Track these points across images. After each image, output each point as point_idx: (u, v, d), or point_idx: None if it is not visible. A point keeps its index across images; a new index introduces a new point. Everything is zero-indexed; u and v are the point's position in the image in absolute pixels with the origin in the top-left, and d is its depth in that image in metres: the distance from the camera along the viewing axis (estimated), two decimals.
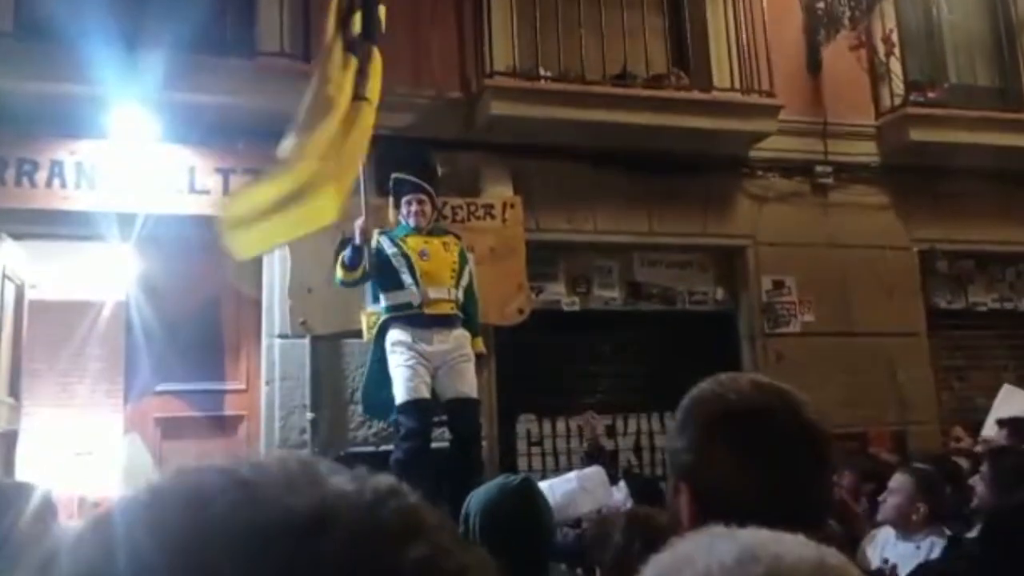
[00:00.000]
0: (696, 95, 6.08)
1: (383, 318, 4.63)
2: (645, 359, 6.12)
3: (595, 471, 4.53)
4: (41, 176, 4.95)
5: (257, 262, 5.42)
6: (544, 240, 5.79)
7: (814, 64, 6.57)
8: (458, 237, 4.83)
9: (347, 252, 4.48)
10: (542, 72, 5.86)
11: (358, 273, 4.50)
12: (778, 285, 6.29)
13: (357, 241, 4.43)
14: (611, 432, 5.92)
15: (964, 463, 4.50)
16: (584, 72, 5.82)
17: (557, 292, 6.01)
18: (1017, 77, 7.12)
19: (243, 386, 5.43)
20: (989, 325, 6.90)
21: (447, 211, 5.33)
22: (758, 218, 6.34)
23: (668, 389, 6.11)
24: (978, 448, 4.94)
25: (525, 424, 5.80)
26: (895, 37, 6.59)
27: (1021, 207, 6.78)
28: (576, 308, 6.05)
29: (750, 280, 6.28)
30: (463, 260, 4.67)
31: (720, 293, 6.39)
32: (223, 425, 5.38)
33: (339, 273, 4.55)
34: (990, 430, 5.06)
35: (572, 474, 4.56)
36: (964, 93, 6.90)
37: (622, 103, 5.80)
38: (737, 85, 6.16)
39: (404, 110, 5.63)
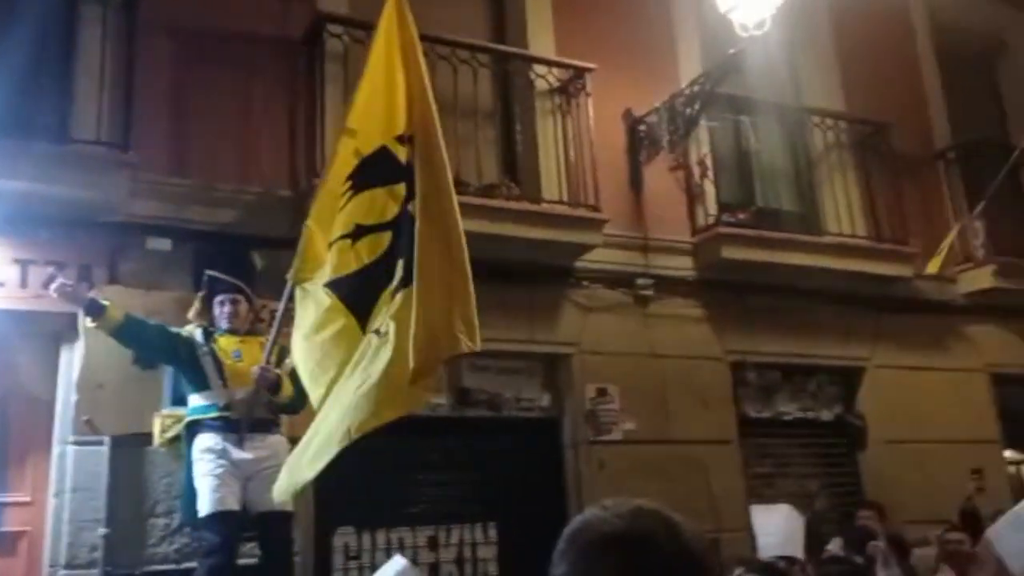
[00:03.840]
0: (526, 206, 6.23)
1: (187, 420, 4.36)
2: (471, 467, 6.03)
3: (401, 564, 4.27)
4: None
5: (53, 359, 5.00)
6: None
7: (636, 182, 6.90)
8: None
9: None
10: None
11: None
12: (601, 393, 6.41)
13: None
14: (433, 543, 5.75)
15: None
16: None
17: None
18: (815, 203, 7.76)
19: (28, 498, 4.89)
20: (795, 434, 7.28)
21: (265, 314, 5.10)
22: (583, 327, 6.48)
23: (493, 498, 6.05)
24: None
25: (343, 537, 5.52)
26: (709, 161, 7.04)
27: (821, 323, 7.28)
28: None
29: (575, 387, 6.37)
30: (280, 362, 4.47)
31: (546, 399, 6.44)
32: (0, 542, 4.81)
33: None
34: (769, 552, 5.17)
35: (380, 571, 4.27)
36: (770, 216, 7.42)
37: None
38: (565, 198, 6.36)
39: (229, 205, 5.45)
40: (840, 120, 7.70)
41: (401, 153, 3.87)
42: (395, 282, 3.71)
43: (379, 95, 4.00)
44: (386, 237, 3.82)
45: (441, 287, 3.61)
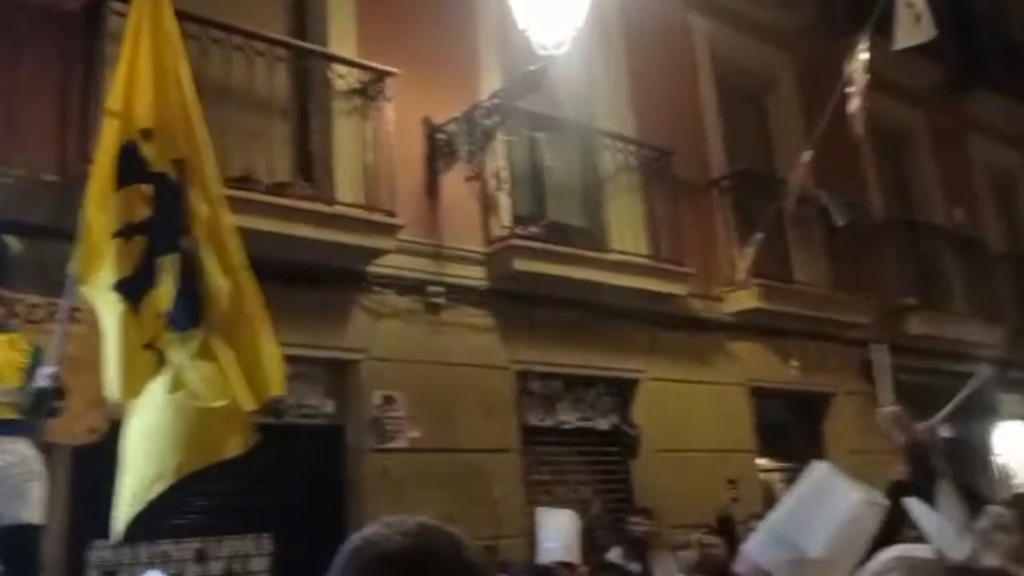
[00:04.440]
0: (320, 207, 6.08)
1: None
2: (246, 475, 5.78)
3: None
4: None
5: None
6: None
7: (433, 190, 6.92)
8: None
9: None
10: None
11: None
12: (388, 400, 6.36)
13: None
14: (201, 556, 5.48)
15: None
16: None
17: None
18: (602, 220, 8.10)
19: None
20: (573, 442, 7.56)
21: (21, 308, 4.64)
22: (373, 333, 6.41)
23: (268, 508, 5.82)
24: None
25: (99, 552, 5.12)
26: (504, 174, 7.18)
27: (603, 335, 7.60)
28: None
29: (361, 394, 6.28)
30: (37, 360, 4.09)
31: (331, 406, 6.31)
32: None
33: None
34: (548, 556, 5.37)
35: None
36: (560, 230, 7.67)
37: (244, 207, 5.58)
38: (360, 201, 6.27)
39: None
40: (628, 144, 8.09)
41: (147, 150, 3.69)
42: (169, 306, 3.55)
43: (136, 79, 3.78)
44: (142, 241, 3.61)
45: (244, 326, 3.50)
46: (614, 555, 5.76)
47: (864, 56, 7.35)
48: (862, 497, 3.39)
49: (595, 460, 7.67)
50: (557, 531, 5.43)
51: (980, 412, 10.29)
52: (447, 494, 6.28)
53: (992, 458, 11.00)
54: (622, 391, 7.90)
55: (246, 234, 5.45)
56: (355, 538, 1.21)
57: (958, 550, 2.89)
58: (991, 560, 3.01)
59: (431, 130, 7.01)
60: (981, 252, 11.54)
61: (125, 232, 3.68)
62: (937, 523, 3.19)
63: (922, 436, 3.54)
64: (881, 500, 3.42)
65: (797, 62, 10.29)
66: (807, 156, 7.94)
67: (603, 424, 7.76)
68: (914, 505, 3.30)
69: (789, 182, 8.27)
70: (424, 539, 1.18)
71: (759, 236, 8.19)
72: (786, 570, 3.20)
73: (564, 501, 7.02)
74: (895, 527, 3.43)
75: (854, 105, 7.46)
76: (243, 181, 5.81)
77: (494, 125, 6.94)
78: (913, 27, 6.95)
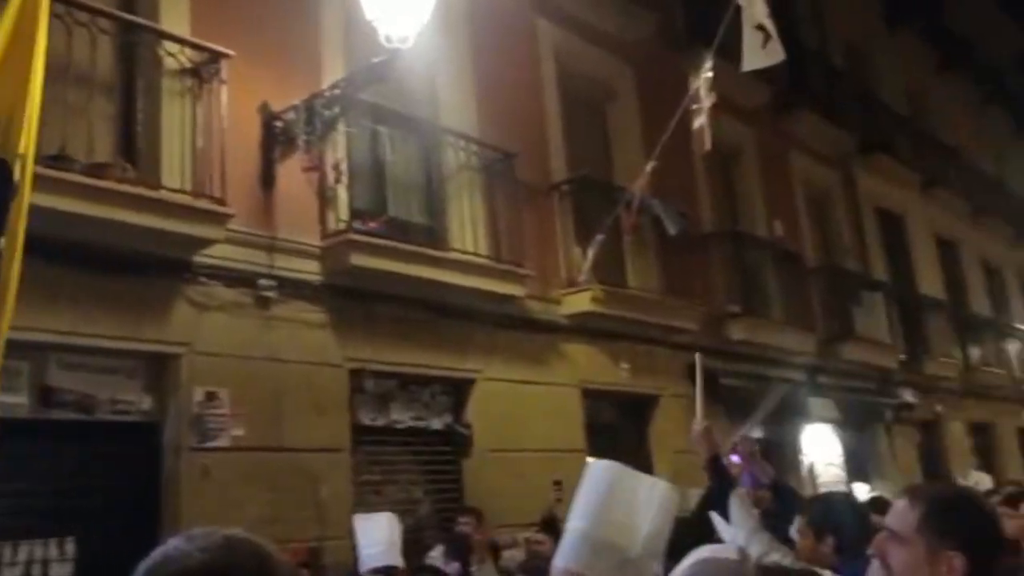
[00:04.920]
0: (143, 191, 5.72)
1: None
2: (52, 476, 5.38)
3: None
4: None
5: None
6: None
7: (268, 179, 6.66)
8: None
9: None
10: None
11: None
12: (211, 397, 6.07)
13: None
14: None
15: None
16: None
17: None
18: (443, 218, 8.07)
19: None
20: (405, 442, 7.48)
21: None
22: (197, 326, 6.10)
23: (74, 510, 5.44)
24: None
25: None
26: (344, 167, 7.00)
27: (441, 334, 7.57)
28: None
29: (181, 390, 5.96)
30: None
31: (147, 402, 5.95)
32: None
33: None
34: (369, 562, 5.27)
35: None
36: (400, 227, 7.57)
37: (57, 187, 5.18)
38: (187, 187, 5.95)
39: None
40: (472, 143, 8.09)
41: None
42: None
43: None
44: None
45: None
46: (436, 554, 5.71)
47: (709, 75, 7.64)
48: (653, 482, 3.53)
49: (427, 460, 7.62)
50: (377, 536, 5.34)
51: (790, 415, 10.98)
52: (272, 495, 6.07)
53: (801, 458, 11.73)
54: (457, 391, 7.89)
55: (59, 216, 5.13)
56: (155, 554, 1.16)
57: (753, 552, 3.05)
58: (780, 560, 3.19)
59: (268, 117, 6.74)
60: (798, 264, 12.30)
61: None
62: (730, 530, 3.36)
63: (723, 450, 3.74)
64: (668, 480, 3.60)
65: (638, 73, 10.61)
66: (650, 166, 8.19)
67: (437, 424, 7.72)
68: (714, 517, 3.47)
69: (629, 190, 8.49)
70: (226, 555, 1.13)
71: (600, 238, 8.37)
72: (613, 574, 3.27)
73: (394, 501, 6.93)
74: (706, 538, 3.59)
75: (699, 123, 7.73)
76: (58, 160, 5.39)
77: (335, 116, 6.78)
78: (760, 50, 7.26)
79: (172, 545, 1.16)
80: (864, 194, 14.97)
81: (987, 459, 15.90)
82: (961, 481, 9.60)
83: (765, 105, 12.45)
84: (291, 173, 6.78)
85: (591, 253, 8.43)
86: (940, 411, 14.99)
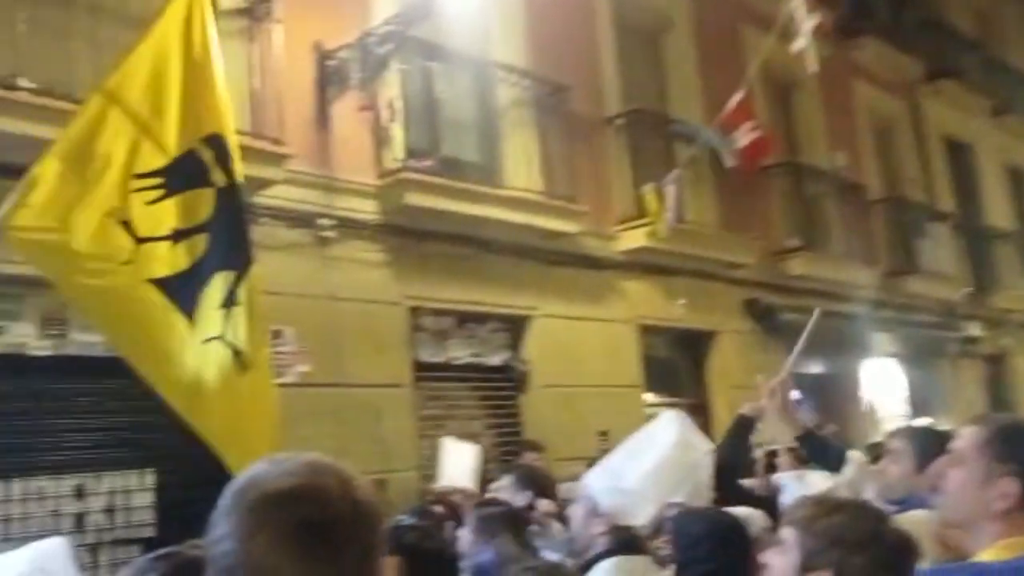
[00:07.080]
0: None
1: None
2: (127, 410, 5.59)
3: (54, 545, 3.95)
4: None
5: None
6: (7, 273, 4.98)
7: (323, 119, 6.70)
8: None
9: None
10: (24, 83, 5.14)
11: None
12: (277, 335, 6.19)
13: None
14: (80, 492, 5.31)
15: None
16: (76, 88, 5.23)
17: (23, 334, 5.27)
18: (497, 156, 8.04)
19: None
20: (464, 378, 7.59)
21: None
22: (259, 266, 6.20)
23: (151, 443, 5.65)
24: (456, 498, 5.36)
25: None
26: (398, 105, 7.00)
27: (496, 271, 7.61)
28: (48, 353, 5.36)
29: None
30: None
31: None
32: None
33: None
34: (447, 481, 5.49)
35: (25, 552, 3.92)
36: (454, 165, 7.58)
37: None
38: (246, 128, 6.01)
39: None
40: (523, 77, 8.00)
41: (205, 155, 3.61)
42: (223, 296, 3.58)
43: (170, 84, 3.62)
44: (203, 239, 3.60)
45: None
46: (503, 483, 5.81)
47: None
48: (691, 443, 3.65)
49: (486, 395, 7.73)
50: (460, 460, 5.56)
51: (850, 350, 10.84)
52: (338, 429, 6.22)
53: (860, 394, 11.62)
54: (514, 327, 7.95)
55: None
56: (243, 477, 1.20)
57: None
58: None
59: (322, 56, 6.76)
60: (860, 196, 12.01)
61: (176, 236, 3.56)
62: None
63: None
64: (709, 449, 3.74)
65: (693, 1, 10.33)
66: (737, 98, 8.05)
67: (494, 360, 7.81)
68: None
69: (713, 124, 8.38)
70: (311, 477, 1.17)
71: (677, 173, 8.26)
72: (604, 497, 3.41)
73: (455, 435, 7.05)
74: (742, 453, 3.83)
75: (799, 45, 7.63)
76: None
77: (388, 53, 6.75)
78: None
79: (260, 468, 1.19)
80: (931, 123, 14.49)
81: None
82: None
83: (826, 32, 12.03)
84: (346, 113, 6.81)
85: (672, 191, 8.21)
86: (1007, 345, 14.67)
